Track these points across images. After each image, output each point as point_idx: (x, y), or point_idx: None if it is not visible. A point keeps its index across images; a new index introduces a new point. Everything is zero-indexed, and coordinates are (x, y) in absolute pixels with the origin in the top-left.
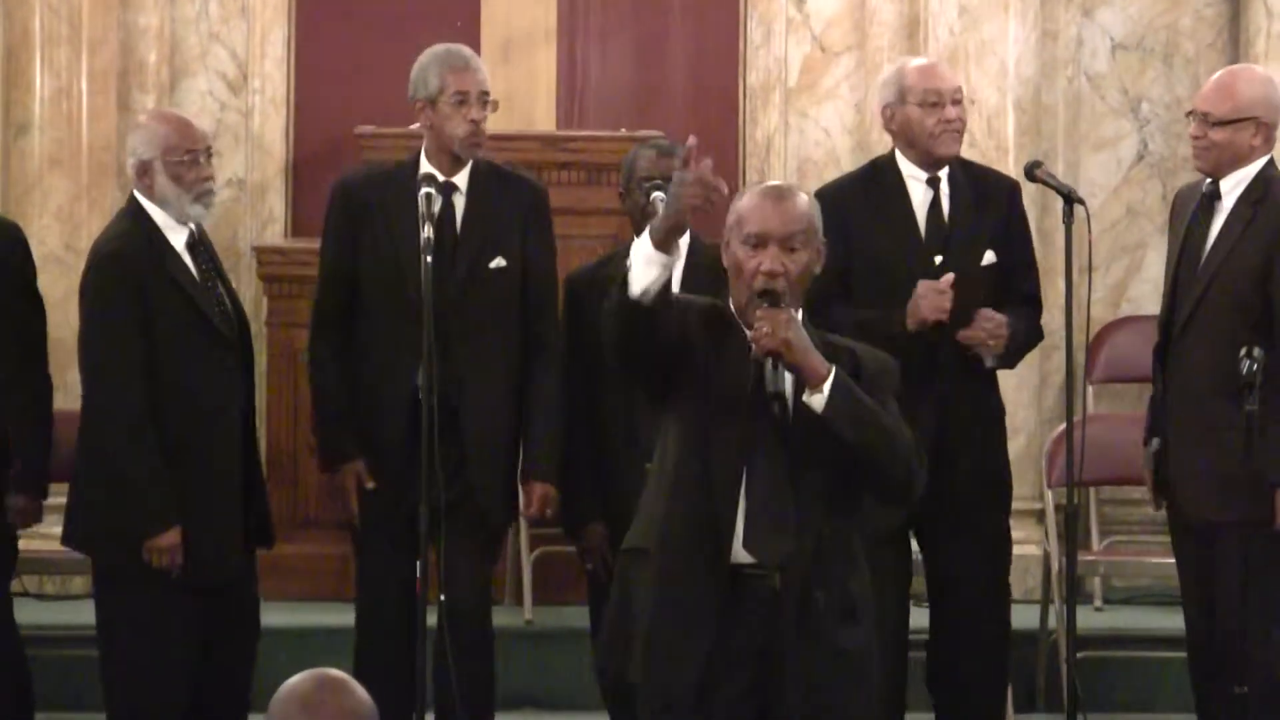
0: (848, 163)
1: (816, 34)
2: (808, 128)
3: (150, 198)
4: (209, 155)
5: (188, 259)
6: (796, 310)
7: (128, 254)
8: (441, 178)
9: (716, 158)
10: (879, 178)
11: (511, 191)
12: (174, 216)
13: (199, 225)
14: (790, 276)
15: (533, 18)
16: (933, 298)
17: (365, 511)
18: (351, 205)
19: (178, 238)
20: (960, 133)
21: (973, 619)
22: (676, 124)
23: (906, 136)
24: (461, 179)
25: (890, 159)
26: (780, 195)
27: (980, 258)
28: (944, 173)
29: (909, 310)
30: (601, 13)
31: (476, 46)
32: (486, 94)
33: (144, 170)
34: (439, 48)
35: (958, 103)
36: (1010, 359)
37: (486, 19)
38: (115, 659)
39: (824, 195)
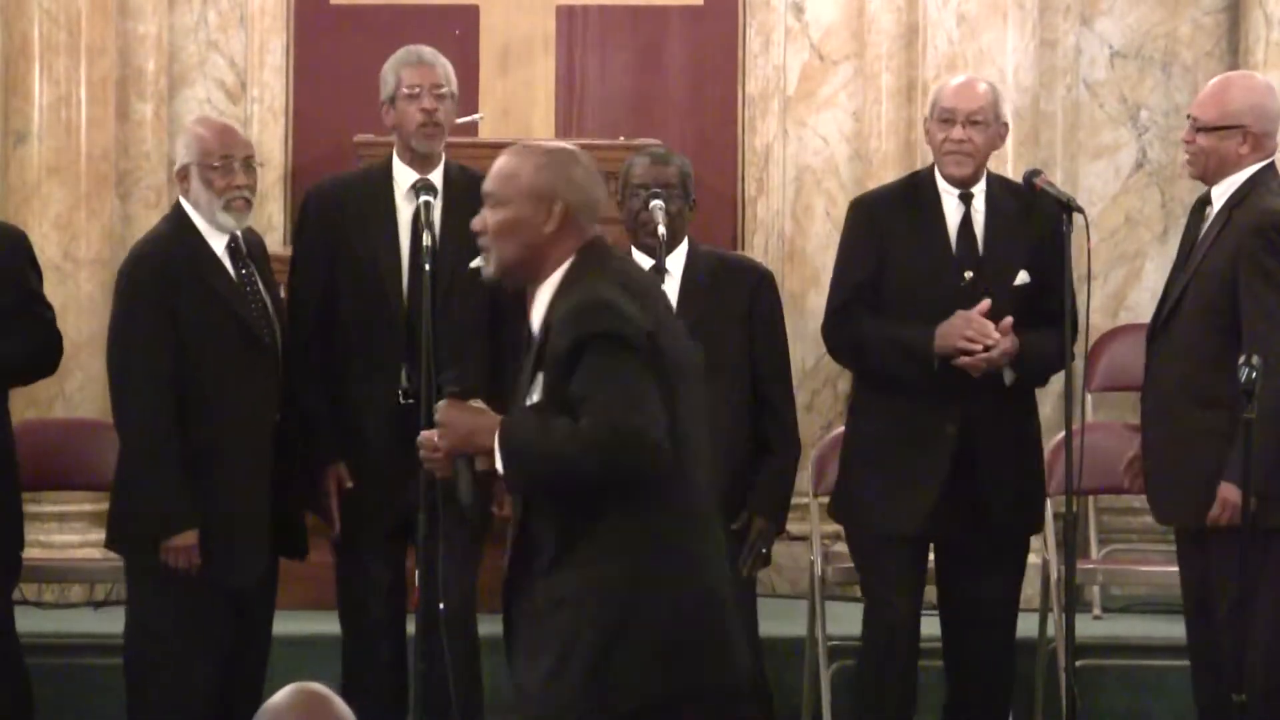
0: (846, 171)
1: (815, 42)
2: (806, 136)
3: (190, 202)
4: (246, 164)
5: (227, 263)
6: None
7: (160, 256)
8: (416, 177)
9: (715, 166)
10: (916, 190)
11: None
12: (208, 222)
13: (247, 232)
14: (489, 232)
15: (531, 26)
16: (962, 328)
17: (348, 518)
18: (327, 214)
19: (218, 242)
20: (970, 155)
21: (983, 636)
22: (675, 132)
23: (933, 150)
24: (436, 180)
25: (930, 172)
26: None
27: (1013, 277)
28: (979, 188)
29: (939, 335)
30: (600, 21)
31: (475, 55)
32: (441, 88)
33: (183, 175)
34: (400, 50)
35: (975, 124)
36: (1034, 377)
37: (485, 28)
38: (139, 660)
39: (861, 203)
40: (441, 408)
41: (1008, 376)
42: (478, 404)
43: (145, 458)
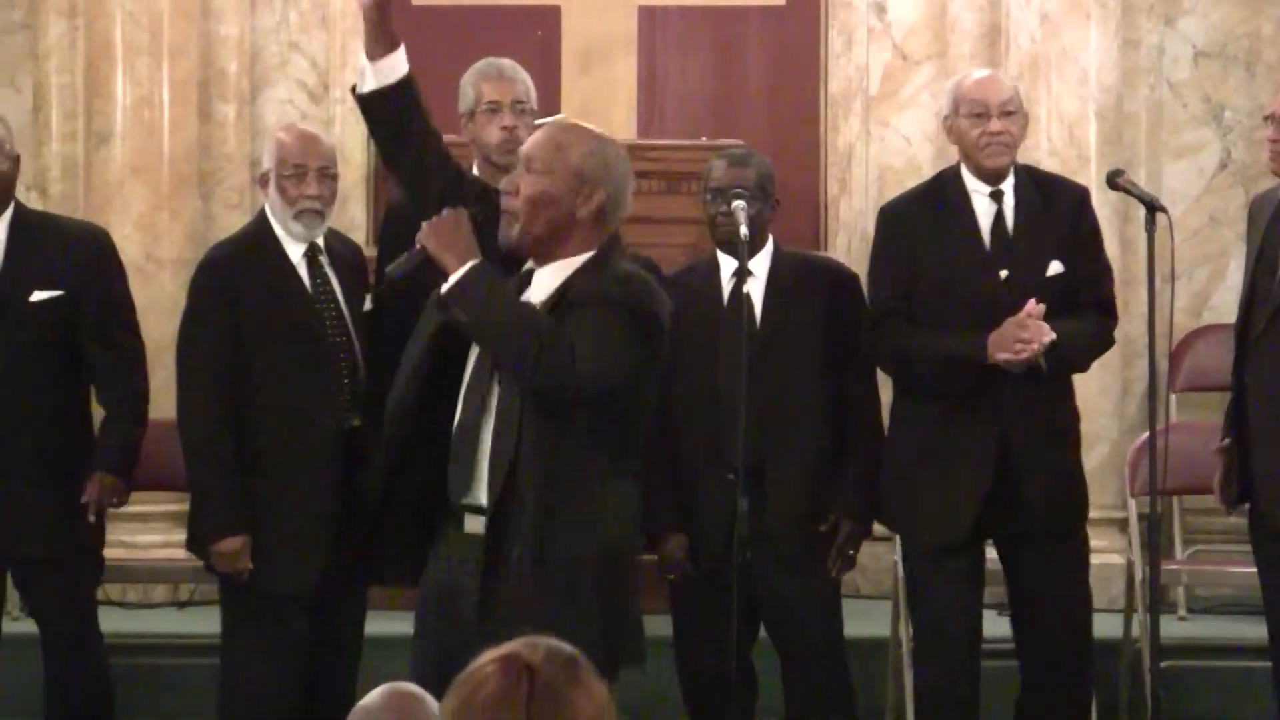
0: (929, 171)
1: (897, 42)
2: (889, 136)
3: (269, 207)
4: (322, 175)
5: (302, 271)
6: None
7: (227, 260)
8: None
9: (797, 166)
10: (943, 191)
11: None
12: (283, 229)
13: (339, 243)
14: (521, 198)
15: (612, 27)
16: (1016, 333)
17: None
18: (405, 222)
19: (295, 249)
20: (1009, 145)
21: (1051, 630)
22: (757, 133)
23: (961, 148)
24: None
25: (955, 171)
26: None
27: (1045, 269)
28: (1008, 184)
29: (993, 344)
30: (681, 21)
31: (556, 56)
32: (522, 103)
33: (264, 181)
34: (480, 62)
35: (1009, 114)
36: (1071, 364)
37: (567, 28)
38: (223, 660)
39: (888, 211)
40: (453, 209)
41: (1042, 364)
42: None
43: (198, 461)
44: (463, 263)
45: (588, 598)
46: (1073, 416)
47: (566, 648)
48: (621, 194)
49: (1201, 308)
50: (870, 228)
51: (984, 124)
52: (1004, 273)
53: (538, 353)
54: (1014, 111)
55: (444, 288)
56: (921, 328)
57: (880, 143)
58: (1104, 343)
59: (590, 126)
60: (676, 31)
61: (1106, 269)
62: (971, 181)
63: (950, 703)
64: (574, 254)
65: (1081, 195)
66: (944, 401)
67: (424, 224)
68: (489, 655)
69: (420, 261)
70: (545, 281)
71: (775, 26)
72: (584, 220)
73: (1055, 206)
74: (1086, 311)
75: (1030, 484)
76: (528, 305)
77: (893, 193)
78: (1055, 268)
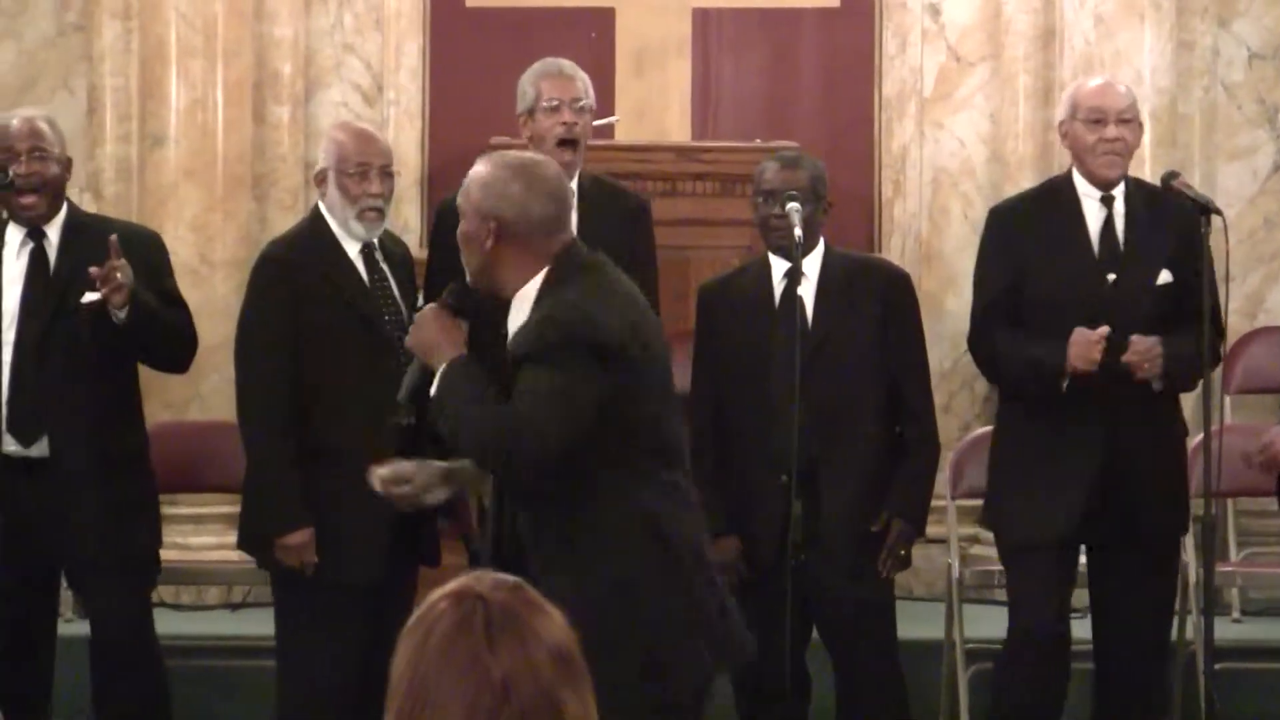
0: (983, 173)
1: (952, 44)
2: (943, 138)
3: (326, 206)
4: (383, 173)
5: (360, 266)
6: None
7: (286, 257)
8: None
9: (851, 168)
10: (1054, 196)
11: (617, 202)
12: (341, 227)
13: (390, 241)
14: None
15: (666, 29)
16: (1082, 347)
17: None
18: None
19: (351, 246)
20: (1122, 155)
21: (1133, 640)
22: (811, 135)
23: (1075, 153)
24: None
25: (1067, 177)
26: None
27: (1155, 275)
28: (1119, 190)
29: (1070, 353)
30: (735, 23)
31: (611, 58)
32: (580, 101)
33: (321, 179)
34: (539, 62)
35: (1126, 122)
36: (1180, 381)
37: (621, 30)
38: (279, 657)
39: (999, 212)
40: (429, 308)
41: (1156, 385)
42: (462, 327)
43: (261, 456)
44: (438, 363)
45: (610, 637)
46: (1181, 428)
47: (510, 577)
48: (522, 211)
49: (1256, 310)
50: (924, 229)
51: (1101, 130)
52: (1112, 277)
53: (508, 456)
54: (1130, 120)
55: (432, 401)
56: (1021, 332)
57: (934, 144)
58: (1211, 359)
59: (501, 155)
60: (730, 33)
61: (1213, 283)
62: (1083, 186)
63: (1036, 703)
64: (523, 281)
65: (1194, 209)
66: (1048, 405)
67: (407, 335)
68: (436, 593)
69: (420, 372)
70: (514, 323)
71: (829, 28)
72: (495, 251)
73: (1169, 216)
74: (1190, 327)
75: (1133, 491)
76: (490, 408)
77: (947, 195)
78: (1165, 276)
